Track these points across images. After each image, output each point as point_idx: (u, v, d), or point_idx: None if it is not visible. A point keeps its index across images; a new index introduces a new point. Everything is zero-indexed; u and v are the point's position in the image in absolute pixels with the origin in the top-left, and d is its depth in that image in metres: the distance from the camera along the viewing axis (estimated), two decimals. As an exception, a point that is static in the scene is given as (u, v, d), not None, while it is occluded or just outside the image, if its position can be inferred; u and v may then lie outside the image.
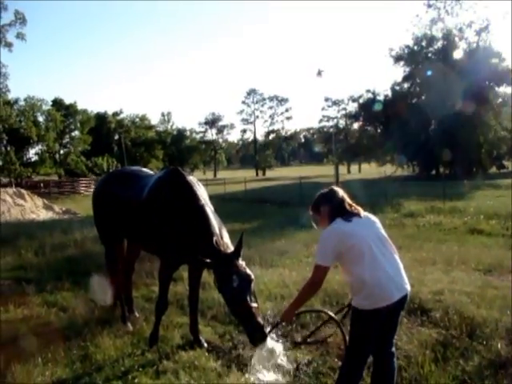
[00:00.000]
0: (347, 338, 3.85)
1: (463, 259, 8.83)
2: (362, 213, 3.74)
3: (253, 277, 4.49)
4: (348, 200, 3.76)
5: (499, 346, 4.72)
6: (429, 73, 45.15)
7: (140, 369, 4.71)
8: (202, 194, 5.17)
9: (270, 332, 4.18)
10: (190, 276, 5.53)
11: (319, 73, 39.68)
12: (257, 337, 4.15)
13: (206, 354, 5.04)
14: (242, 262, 4.52)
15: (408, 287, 3.69)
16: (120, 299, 6.19)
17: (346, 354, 3.84)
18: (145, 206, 5.30)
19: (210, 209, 5.05)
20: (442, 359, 4.57)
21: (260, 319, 4.28)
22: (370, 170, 59.67)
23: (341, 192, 3.81)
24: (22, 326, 5.93)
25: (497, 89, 47.19)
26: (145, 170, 6.30)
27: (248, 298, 4.32)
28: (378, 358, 3.81)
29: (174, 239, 5.00)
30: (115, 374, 4.62)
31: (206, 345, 5.27)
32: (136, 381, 4.46)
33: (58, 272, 8.59)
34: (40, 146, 58.98)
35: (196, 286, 5.51)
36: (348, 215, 3.64)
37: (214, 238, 4.75)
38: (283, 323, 4.14)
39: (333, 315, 4.02)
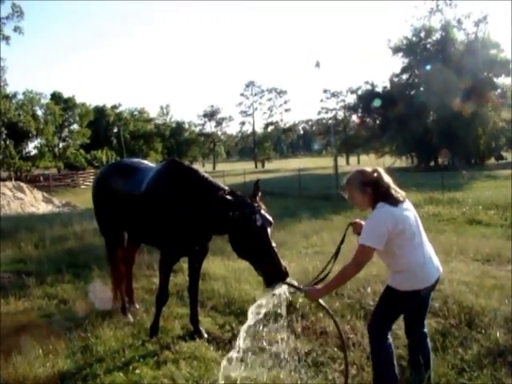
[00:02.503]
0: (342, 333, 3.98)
1: (462, 249, 8.86)
2: (405, 198, 3.71)
3: (272, 220, 4.52)
4: (392, 184, 3.69)
5: (498, 334, 4.74)
6: (427, 64, 45.13)
7: (141, 359, 4.73)
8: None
9: (288, 284, 4.13)
10: (189, 267, 5.54)
11: (317, 64, 39.71)
12: (278, 278, 4.13)
13: (206, 344, 5.06)
14: (262, 205, 4.57)
15: (441, 268, 3.78)
16: (120, 290, 6.21)
17: (373, 332, 3.81)
18: (144, 198, 5.30)
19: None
20: (441, 348, 4.59)
21: (281, 260, 4.28)
22: (368, 162, 59.63)
23: (385, 175, 3.71)
24: (23, 318, 5.95)
25: (495, 80, 47.17)
26: (145, 162, 6.28)
27: (270, 239, 4.37)
28: (413, 339, 3.85)
29: (180, 227, 4.99)
30: (116, 364, 4.64)
31: (205, 335, 5.29)
32: (137, 371, 4.47)
33: (58, 264, 8.58)
34: (39, 140, 58.86)
35: (196, 277, 5.52)
36: (393, 201, 3.59)
37: (227, 188, 4.78)
38: (303, 294, 4.02)
39: (337, 325, 4.03)
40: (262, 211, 4.50)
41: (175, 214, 5.01)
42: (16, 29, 51.88)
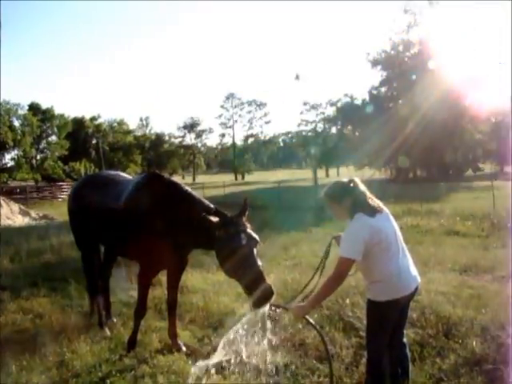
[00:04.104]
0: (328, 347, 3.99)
1: (439, 260, 8.96)
2: (383, 207, 3.74)
3: (259, 239, 4.49)
4: (369, 194, 3.74)
5: (474, 344, 4.80)
6: (405, 77, 45.76)
7: (118, 374, 4.64)
8: None
9: (273, 304, 4.12)
10: (168, 280, 5.49)
11: (297, 77, 40.03)
12: (263, 297, 4.08)
13: (185, 357, 5.00)
14: (248, 225, 4.53)
15: (419, 278, 3.80)
16: (97, 304, 6.13)
17: (368, 346, 3.87)
18: (122, 211, 5.23)
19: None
20: (419, 358, 4.61)
21: (267, 279, 4.22)
22: (348, 174, 60.14)
23: (362, 185, 3.76)
24: (-3, 334, 5.84)
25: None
26: (122, 174, 6.22)
27: (256, 257, 4.33)
28: (392, 349, 3.83)
29: (160, 241, 4.92)
30: (92, 380, 4.56)
31: (184, 348, 5.23)
32: (113, 386, 4.42)
33: (34, 278, 8.45)
34: (16, 151, 58.24)
35: (174, 289, 5.46)
36: (371, 210, 3.63)
37: (213, 206, 4.75)
38: (287, 314, 4.03)
39: (325, 343, 4.04)
40: (248, 230, 4.48)
41: (155, 228, 4.96)
42: (-9, 39, 51.37)
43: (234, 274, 4.45)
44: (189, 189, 5.06)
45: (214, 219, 4.48)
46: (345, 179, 3.87)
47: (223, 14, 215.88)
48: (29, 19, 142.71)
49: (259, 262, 4.34)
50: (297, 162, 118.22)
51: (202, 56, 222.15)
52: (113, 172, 6.40)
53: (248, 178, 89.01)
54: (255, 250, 4.40)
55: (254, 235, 4.48)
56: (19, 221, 24.04)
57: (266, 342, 4.26)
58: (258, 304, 4.12)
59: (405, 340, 3.95)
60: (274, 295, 4.16)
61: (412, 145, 44.02)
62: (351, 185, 3.74)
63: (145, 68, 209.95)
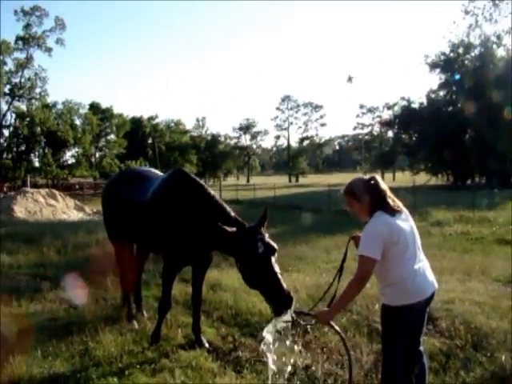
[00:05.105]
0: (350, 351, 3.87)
1: (484, 269, 8.59)
2: (402, 208, 3.64)
3: (277, 247, 4.46)
4: (389, 193, 3.63)
5: (503, 358, 4.55)
6: (465, 80, 44.36)
7: (138, 366, 4.73)
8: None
9: (296, 312, 4.06)
10: (193, 276, 5.53)
11: (350, 79, 39.59)
12: (282, 304, 4.05)
13: (206, 354, 5.02)
14: (266, 234, 4.52)
15: (436, 284, 3.66)
16: (127, 298, 6.24)
17: (383, 353, 3.76)
18: (149, 206, 5.34)
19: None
20: (443, 369, 4.43)
21: (285, 286, 4.20)
22: (403, 178, 58.84)
23: (383, 184, 3.66)
24: (31, 320, 6.03)
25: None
26: (154, 170, 6.32)
27: (273, 265, 4.30)
28: (408, 357, 3.69)
29: (182, 237, 5.00)
30: (112, 370, 4.64)
31: (207, 345, 5.25)
32: (131, 378, 4.48)
33: (76, 270, 8.70)
34: (76, 149, 60.46)
35: (199, 286, 5.50)
36: (390, 210, 3.52)
37: (233, 214, 4.78)
38: (314, 322, 3.91)
39: (348, 349, 3.89)
40: (266, 239, 4.45)
41: (177, 224, 5.03)
42: (58, 41, 53.93)
43: (252, 283, 4.44)
44: (212, 192, 5.08)
45: (231, 229, 4.48)
46: (366, 176, 3.76)
47: (279, 15, 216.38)
48: (89, 19, 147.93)
49: (277, 270, 4.31)
50: (352, 165, 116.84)
51: (258, 58, 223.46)
52: (145, 168, 6.52)
53: (302, 180, 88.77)
54: (273, 258, 4.37)
55: (272, 243, 4.44)
56: (74, 215, 24.89)
57: (285, 344, 4.21)
58: (279, 312, 4.08)
59: (421, 348, 3.77)
60: (294, 302, 4.10)
61: (470, 151, 42.69)
62: (372, 182, 3.63)
63: (202, 69, 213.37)
